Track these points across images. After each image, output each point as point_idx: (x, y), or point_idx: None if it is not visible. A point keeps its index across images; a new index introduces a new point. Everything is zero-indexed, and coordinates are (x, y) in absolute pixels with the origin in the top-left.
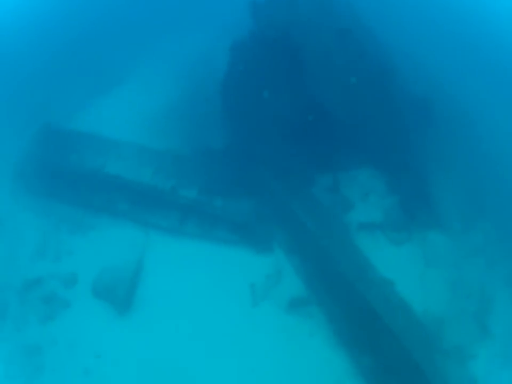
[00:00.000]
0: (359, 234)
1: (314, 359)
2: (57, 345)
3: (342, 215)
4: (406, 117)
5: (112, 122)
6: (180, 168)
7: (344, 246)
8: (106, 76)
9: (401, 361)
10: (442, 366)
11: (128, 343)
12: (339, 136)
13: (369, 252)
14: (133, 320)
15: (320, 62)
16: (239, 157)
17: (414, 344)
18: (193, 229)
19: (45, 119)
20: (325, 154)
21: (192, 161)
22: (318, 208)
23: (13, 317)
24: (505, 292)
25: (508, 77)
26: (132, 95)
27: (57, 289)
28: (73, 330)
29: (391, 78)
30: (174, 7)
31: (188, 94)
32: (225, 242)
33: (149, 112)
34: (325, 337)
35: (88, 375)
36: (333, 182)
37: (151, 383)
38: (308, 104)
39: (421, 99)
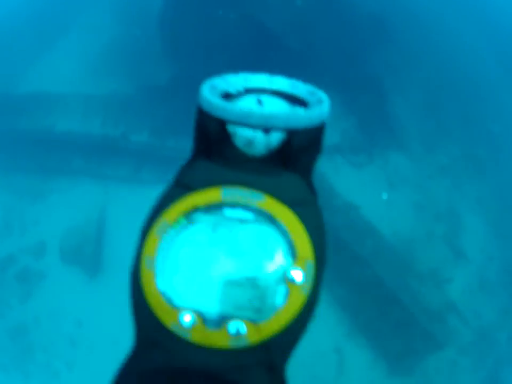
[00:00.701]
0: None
1: None
2: (40, 322)
3: None
4: (359, 33)
5: (55, 76)
6: (128, 112)
7: None
8: (42, 28)
9: (375, 288)
10: (418, 290)
11: (105, 304)
12: (291, 60)
13: (330, 176)
14: (106, 280)
15: None
16: (186, 91)
17: (387, 270)
18: (150, 175)
19: None
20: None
21: (139, 102)
22: None
23: None
24: (475, 211)
25: None
26: (70, 44)
27: (29, 264)
28: (52, 302)
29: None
30: None
31: (125, 30)
32: None
33: (89, 57)
34: None
35: (74, 345)
36: None
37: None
38: (253, 31)
39: (375, 11)
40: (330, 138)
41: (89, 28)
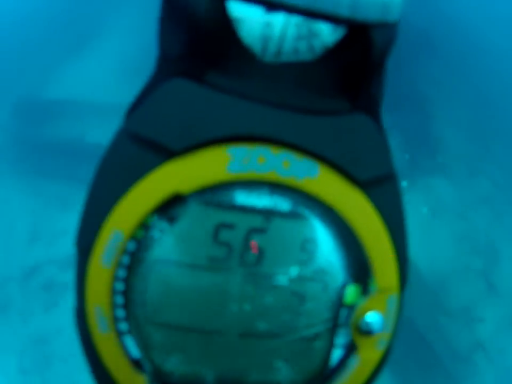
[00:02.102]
0: None
1: None
2: (63, 333)
3: None
4: (403, 46)
5: (88, 82)
6: None
7: None
8: (79, 31)
9: (403, 325)
10: (447, 329)
11: None
12: None
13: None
14: None
15: None
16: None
17: (417, 306)
18: None
19: (19, 91)
20: None
21: None
22: None
23: (18, 309)
24: None
25: None
26: (108, 49)
27: (56, 274)
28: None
29: None
30: None
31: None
32: None
33: (125, 63)
34: None
35: None
36: None
37: None
38: None
39: (419, 24)
40: None
41: (126, 29)
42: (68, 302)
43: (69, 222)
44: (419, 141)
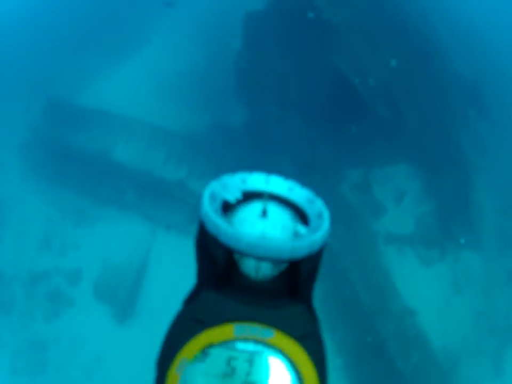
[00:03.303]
0: (386, 248)
1: None
2: (60, 344)
3: (369, 221)
4: (453, 106)
5: (124, 95)
6: (194, 151)
7: (366, 265)
8: (119, 43)
9: None
10: None
11: (128, 348)
12: (375, 125)
13: (395, 273)
14: (134, 326)
15: (353, 36)
16: (255, 141)
17: None
18: None
19: (54, 93)
20: (357, 144)
21: (206, 142)
22: (343, 214)
23: (19, 312)
24: None
25: None
26: (144, 65)
27: (62, 286)
28: (76, 330)
29: (437, 59)
30: None
31: (205, 62)
32: None
33: (161, 82)
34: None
35: (89, 378)
36: (364, 178)
37: None
38: (337, 85)
39: (471, 86)
40: (404, 226)
41: (165, 49)
42: (71, 315)
43: (82, 236)
44: (455, 208)
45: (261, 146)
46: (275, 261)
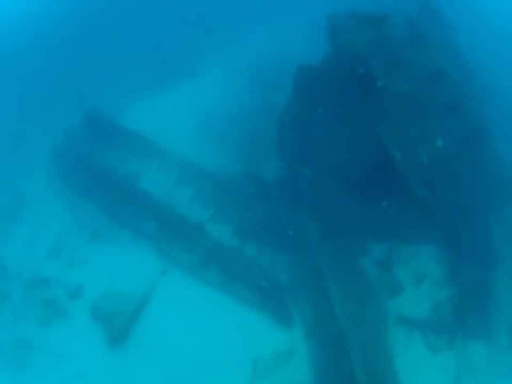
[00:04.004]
0: (394, 330)
1: None
2: (46, 351)
3: (385, 300)
4: (493, 193)
5: (165, 123)
6: (221, 197)
7: (370, 344)
8: (170, 69)
9: None
10: None
11: (112, 374)
12: (408, 202)
13: (398, 355)
14: (122, 355)
15: (403, 109)
16: (285, 201)
17: None
18: (213, 276)
19: (94, 105)
20: (387, 219)
21: (237, 191)
22: (359, 288)
23: (14, 308)
24: None
25: None
26: (191, 96)
27: (61, 297)
28: (64, 342)
29: (484, 145)
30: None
31: (251, 107)
32: (244, 301)
33: (205, 119)
34: None
35: None
36: (387, 255)
37: None
38: (377, 156)
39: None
40: (418, 310)
41: (213, 86)
42: (63, 326)
43: (91, 253)
44: (473, 297)
45: (290, 205)
46: None
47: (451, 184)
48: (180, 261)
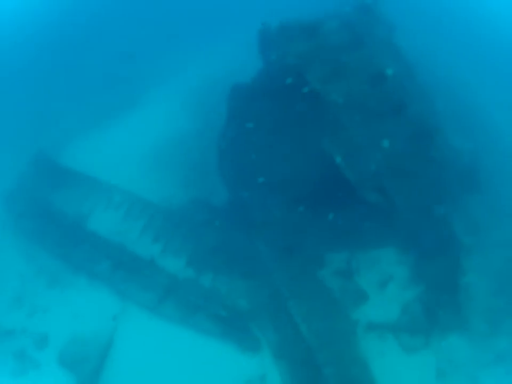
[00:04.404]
0: (366, 337)
1: None
2: None
3: (350, 309)
4: (446, 188)
5: (109, 158)
6: (171, 228)
7: (343, 356)
8: (109, 106)
9: None
10: None
11: None
12: (362, 209)
13: (373, 361)
14: None
15: (345, 117)
16: (235, 223)
17: None
18: (173, 311)
19: (40, 148)
20: (341, 228)
21: (186, 220)
22: (322, 302)
23: None
24: None
25: None
26: (133, 127)
27: (28, 347)
28: None
29: (434, 137)
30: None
31: (192, 133)
32: (207, 333)
33: (149, 150)
34: None
35: None
36: (347, 264)
37: None
38: (324, 168)
39: (466, 167)
40: (387, 314)
41: (153, 116)
42: (36, 379)
43: (52, 300)
44: (443, 292)
45: (240, 228)
46: None
47: (402, 185)
48: (137, 299)
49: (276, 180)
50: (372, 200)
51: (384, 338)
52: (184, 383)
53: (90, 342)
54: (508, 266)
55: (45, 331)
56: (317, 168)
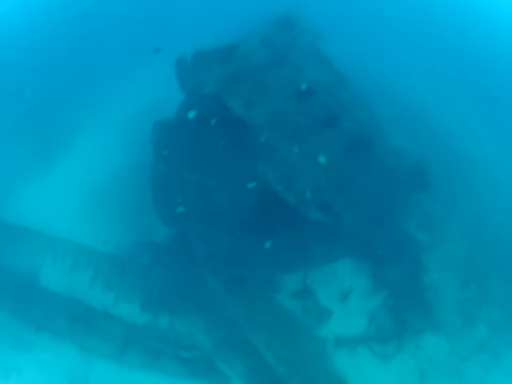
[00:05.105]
0: (337, 354)
1: None
2: None
3: (315, 329)
4: (393, 190)
5: (49, 209)
6: (119, 274)
7: (316, 378)
8: (36, 156)
9: None
10: None
11: None
12: (308, 228)
13: (349, 375)
14: None
15: (276, 139)
16: (180, 259)
17: None
18: (136, 359)
19: None
20: (290, 249)
21: (133, 263)
22: (284, 328)
23: None
24: None
25: None
26: (68, 172)
27: None
28: None
29: (374, 143)
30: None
31: (129, 172)
32: (174, 376)
33: (87, 194)
34: None
35: None
36: (302, 283)
37: None
38: (262, 193)
39: (413, 165)
40: (354, 324)
41: (88, 158)
42: None
43: (20, 361)
44: (408, 294)
45: (186, 264)
46: None
47: (346, 197)
48: (99, 352)
49: (212, 210)
50: (316, 218)
51: (356, 352)
52: None
53: None
54: (470, 255)
55: None
56: (256, 194)
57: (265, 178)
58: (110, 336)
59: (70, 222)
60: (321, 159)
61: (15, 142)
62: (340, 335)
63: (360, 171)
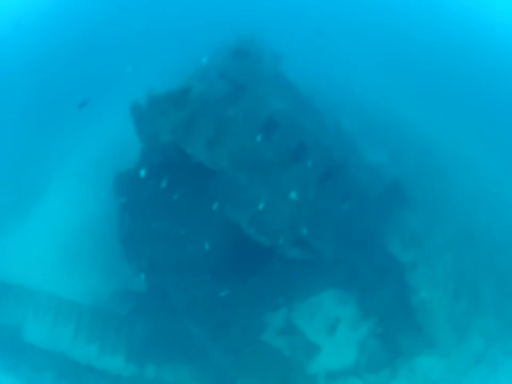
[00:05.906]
0: None
1: None
2: None
3: (305, 365)
4: (372, 209)
5: (24, 263)
6: (101, 326)
7: None
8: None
9: None
10: None
11: None
12: (286, 265)
13: None
14: None
15: (241, 176)
16: (161, 308)
17: None
18: None
19: None
20: (271, 288)
21: (115, 313)
22: (272, 368)
23: None
24: None
25: None
26: (42, 223)
27: None
28: None
29: (346, 168)
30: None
31: (101, 220)
32: None
33: (61, 246)
34: None
35: None
36: (286, 320)
37: None
38: (234, 237)
39: (390, 181)
40: (345, 355)
41: (61, 205)
42: None
43: None
44: (400, 316)
45: (168, 312)
46: None
47: (322, 228)
48: None
49: (186, 259)
50: (293, 255)
51: (347, 382)
52: None
53: None
54: (457, 267)
55: None
56: (230, 238)
57: (235, 221)
58: None
59: (47, 275)
60: (293, 195)
61: None
62: (330, 369)
63: (334, 199)
